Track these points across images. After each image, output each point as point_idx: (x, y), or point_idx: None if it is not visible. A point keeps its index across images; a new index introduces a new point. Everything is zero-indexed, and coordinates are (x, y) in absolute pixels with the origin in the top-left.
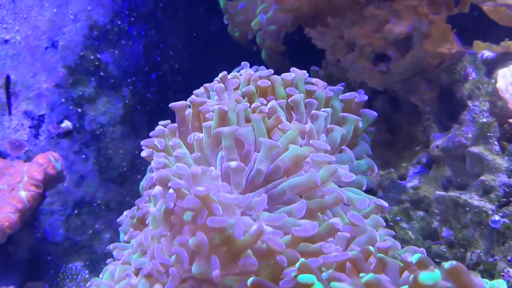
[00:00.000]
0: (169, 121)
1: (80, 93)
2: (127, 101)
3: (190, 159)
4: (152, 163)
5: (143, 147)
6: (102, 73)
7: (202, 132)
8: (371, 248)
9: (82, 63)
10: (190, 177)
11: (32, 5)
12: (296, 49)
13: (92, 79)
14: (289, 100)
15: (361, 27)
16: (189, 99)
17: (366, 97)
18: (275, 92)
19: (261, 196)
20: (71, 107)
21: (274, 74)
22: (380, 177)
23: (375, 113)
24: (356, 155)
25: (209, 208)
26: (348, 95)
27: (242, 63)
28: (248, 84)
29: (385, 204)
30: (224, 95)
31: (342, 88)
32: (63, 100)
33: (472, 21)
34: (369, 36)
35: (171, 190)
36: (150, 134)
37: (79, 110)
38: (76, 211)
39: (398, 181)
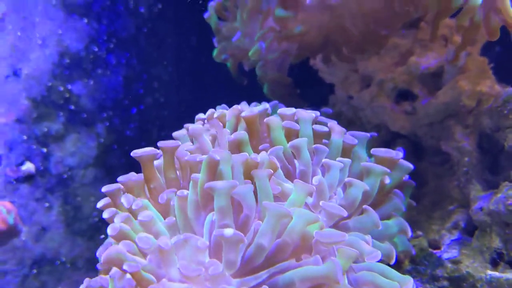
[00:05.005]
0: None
1: (46, 129)
2: (102, 140)
3: (161, 226)
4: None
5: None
6: (72, 107)
7: (180, 188)
8: None
9: (50, 95)
10: (157, 254)
11: None
12: (297, 83)
13: (61, 113)
14: (289, 145)
15: (379, 59)
16: (158, 143)
17: (401, 154)
18: (272, 138)
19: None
20: (34, 147)
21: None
22: None
23: (411, 165)
24: (385, 213)
25: None
26: (383, 152)
27: (222, 105)
28: (237, 123)
29: None
30: (204, 137)
31: (369, 135)
32: (24, 137)
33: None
34: (390, 70)
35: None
36: (107, 189)
37: (44, 150)
38: (34, 271)
39: (430, 249)
